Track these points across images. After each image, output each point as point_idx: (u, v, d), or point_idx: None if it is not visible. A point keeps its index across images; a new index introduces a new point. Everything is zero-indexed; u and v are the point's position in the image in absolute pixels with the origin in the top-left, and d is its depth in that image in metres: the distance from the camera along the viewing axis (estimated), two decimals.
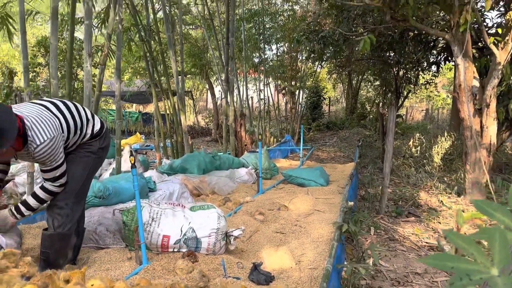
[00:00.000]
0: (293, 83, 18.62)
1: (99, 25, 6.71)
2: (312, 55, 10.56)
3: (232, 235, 3.01)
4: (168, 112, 7.77)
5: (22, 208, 2.46)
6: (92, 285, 1.89)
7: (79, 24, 6.56)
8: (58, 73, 11.62)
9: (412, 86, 10.81)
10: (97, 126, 2.65)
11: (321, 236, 3.38)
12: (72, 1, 4.28)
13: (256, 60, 14.02)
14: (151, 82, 7.09)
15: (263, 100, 12.78)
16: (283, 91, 18.28)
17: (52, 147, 2.29)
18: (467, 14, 4.99)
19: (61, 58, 11.13)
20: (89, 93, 4.08)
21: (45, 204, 2.55)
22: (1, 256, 2.04)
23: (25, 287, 1.67)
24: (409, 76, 10.57)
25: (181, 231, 2.93)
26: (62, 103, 2.52)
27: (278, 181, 5.84)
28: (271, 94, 14.75)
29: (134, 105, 22.56)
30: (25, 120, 2.24)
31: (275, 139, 11.82)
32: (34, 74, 12.06)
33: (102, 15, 6.71)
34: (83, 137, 2.58)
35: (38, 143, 2.24)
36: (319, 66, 13.49)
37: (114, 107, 19.58)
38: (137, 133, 13.30)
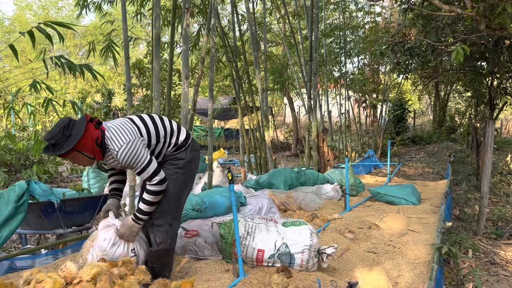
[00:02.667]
0: (374, 96, 18.13)
1: (191, 48, 7.16)
2: (397, 67, 10.22)
3: (325, 253, 3.01)
4: (252, 128, 8.01)
5: (139, 215, 2.63)
6: None
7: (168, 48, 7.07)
8: (151, 93, 12.50)
9: (509, 97, 9.96)
10: (182, 137, 2.79)
11: (418, 257, 3.24)
12: (171, 28, 4.65)
13: (337, 74, 13.92)
14: (237, 99, 7.38)
15: (343, 115, 12.60)
16: (364, 104, 17.87)
17: (131, 149, 2.48)
18: None
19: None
20: (186, 113, 4.38)
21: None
22: (120, 264, 2.27)
23: None
24: (505, 86, 9.76)
25: (275, 246, 3.00)
26: (148, 115, 2.75)
27: (365, 198, 5.71)
28: (352, 108, 14.50)
29: (216, 121, 23.52)
30: (106, 132, 2.50)
31: (356, 154, 11.56)
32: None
33: (194, 38, 7.17)
34: (168, 146, 2.74)
35: (117, 149, 2.46)
36: (405, 78, 12.99)
37: (197, 123, 20.58)
38: (221, 148, 13.82)
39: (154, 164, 2.57)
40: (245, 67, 7.40)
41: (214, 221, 3.42)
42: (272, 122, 19.20)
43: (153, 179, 2.56)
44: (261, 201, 4.45)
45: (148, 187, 2.58)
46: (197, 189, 5.75)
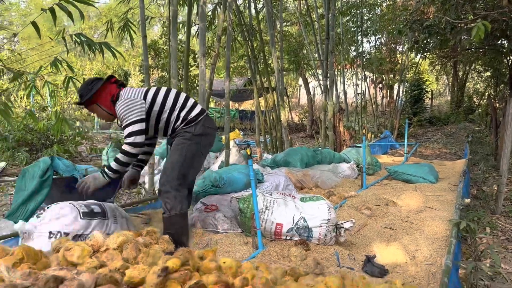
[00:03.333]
0: (391, 76, 17.83)
1: (208, 26, 7.14)
2: (416, 46, 10.02)
3: (343, 227, 3.04)
4: (267, 108, 8.01)
5: (107, 170, 2.83)
6: (224, 262, 2.08)
7: (185, 27, 7.05)
8: (166, 74, 12.53)
9: None
10: (193, 113, 2.90)
11: (436, 233, 3.25)
12: (188, 6, 4.63)
13: (353, 53, 13.71)
14: (253, 79, 7.36)
15: (360, 95, 12.47)
16: (380, 85, 17.60)
17: (127, 105, 2.72)
18: None
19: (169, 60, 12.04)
20: (204, 91, 4.40)
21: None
22: (145, 233, 2.34)
23: (170, 260, 1.90)
24: None
25: (293, 220, 3.04)
26: (166, 88, 2.95)
27: (382, 177, 5.70)
28: (368, 89, 14.32)
29: (231, 102, 23.52)
30: (122, 91, 2.83)
31: (372, 135, 11.48)
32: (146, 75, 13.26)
33: (209, 17, 7.13)
34: (176, 119, 2.88)
35: (119, 101, 2.76)
36: (422, 57, 12.74)
37: (212, 104, 20.62)
38: (236, 129, 13.86)
39: (138, 127, 2.72)
40: (261, 45, 7.35)
41: (233, 196, 3.48)
42: (287, 103, 19.12)
43: (128, 138, 2.73)
44: (278, 178, 4.49)
45: (123, 146, 2.77)
46: (214, 167, 5.82)
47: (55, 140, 7.24)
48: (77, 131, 7.58)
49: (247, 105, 23.58)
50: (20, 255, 1.97)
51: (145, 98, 2.81)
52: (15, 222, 3.20)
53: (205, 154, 3.05)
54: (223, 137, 7.86)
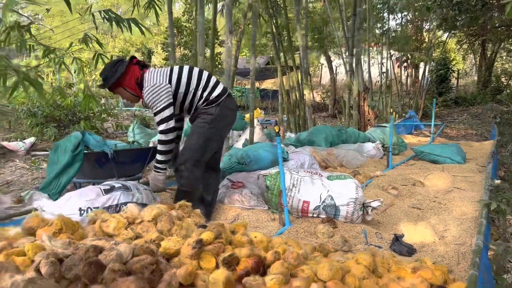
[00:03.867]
0: (416, 55, 17.36)
1: (233, 3, 7.05)
2: (444, 23, 9.71)
3: (370, 206, 3.03)
4: (290, 87, 7.94)
5: (156, 164, 2.91)
6: (255, 237, 2.12)
7: (209, 3, 6.98)
8: (189, 51, 12.51)
9: None
10: (215, 93, 2.90)
11: (464, 213, 3.21)
12: None
13: (378, 31, 13.36)
14: (276, 57, 7.28)
15: (384, 74, 12.21)
16: (405, 63, 17.18)
17: (155, 91, 2.73)
18: None
19: (192, 37, 12.00)
20: (229, 69, 4.38)
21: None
22: (177, 207, 2.39)
23: (204, 233, 1.94)
24: None
25: (320, 198, 3.05)
26: (189, 67, 2.95)
27: (408, 157, 5.63)
28: (392, 67, 13.99)
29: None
30: (146, 74, 2.82)
31: (397, 115, 11.28)
32: (168, 53, 13.30)
33: None
34: (199, 99, 2.90)
35: (146, 87, 2.75)
36: (450, 35, 12.34)
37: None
38: (257, 108, 13.83)
39: (168, 113, 2.76)
40: (286, 22, 7.24)
41: (260, 173, 3.50)
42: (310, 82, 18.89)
43: (160, 126, 2.77)
44: (302, 157, 4.49)
45: (157, 137, 2.85)
46: (238, 145, 5.85)
47: (81, 116, 7.37)
48: (103, 108, 7.70)
49: (268, 84, 23.43)
50: (59, 225, 2.03)
51: (170, 81, 2.82)
52: (49, 195, 3.32)
53: (224, 135, 3.14)
54: (246, 115, 7.86)
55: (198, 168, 2.91)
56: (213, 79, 2.97)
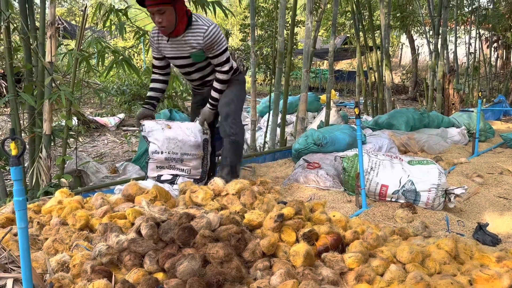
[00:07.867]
0: (508, 35, 15.77)
1: None
2: None
3: (453, 193, 2.93)
4: (368, 67, 7.71)
5: (213, 102, 3.01)
6: (333, 216, 2.17)
7: None
8: (264, 33, 12.56)
9: None
10: (235, 65, 3.06)
11: None
12: None
13: (467, 9, 12.34)
14: (356, 37, 7.09)
15: (472, 55, 11.32)
16: (495, 44, 15.74)
17: (219, 31, 2.80)
18: None
19: (268, 18, 12.03)
20: (308, 50, 4.38)
21: None
22: (258, 182, 2.51)
23: (285, 208, 2.03)
24: None
25: (400, 182, 2.99)
26: None
27: (496, 144, 5.26)
28: (481, 48, 12.89)
29: (325, 62, 22.90)
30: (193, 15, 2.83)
31: (484, 99, 10.46)
32: (245, 34, 13.48)
33: None
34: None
35: (208, 25, 2.75)
36: None
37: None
38: (332, 89, 13.61)
39: (228, 54, 2.92)
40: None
41: (337, 155, 3.51)
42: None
43: (224, 66, 2.89)
44: (380, 140, 4.39)
45: (218, 75, 2.94)
46: (313, 126, 5.85)
47: (165, 95, 7.83)
48: (185, 87, 8.08)
49: (343, 65, 22.81)
50: (154, 193, 2.25)
51: None
52: (140, 167, 3.63)
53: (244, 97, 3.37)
54: (321, 96, 7.80)
55: (240, 120, 3.12)
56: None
